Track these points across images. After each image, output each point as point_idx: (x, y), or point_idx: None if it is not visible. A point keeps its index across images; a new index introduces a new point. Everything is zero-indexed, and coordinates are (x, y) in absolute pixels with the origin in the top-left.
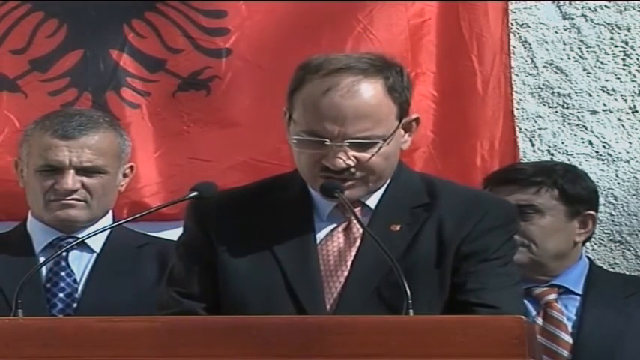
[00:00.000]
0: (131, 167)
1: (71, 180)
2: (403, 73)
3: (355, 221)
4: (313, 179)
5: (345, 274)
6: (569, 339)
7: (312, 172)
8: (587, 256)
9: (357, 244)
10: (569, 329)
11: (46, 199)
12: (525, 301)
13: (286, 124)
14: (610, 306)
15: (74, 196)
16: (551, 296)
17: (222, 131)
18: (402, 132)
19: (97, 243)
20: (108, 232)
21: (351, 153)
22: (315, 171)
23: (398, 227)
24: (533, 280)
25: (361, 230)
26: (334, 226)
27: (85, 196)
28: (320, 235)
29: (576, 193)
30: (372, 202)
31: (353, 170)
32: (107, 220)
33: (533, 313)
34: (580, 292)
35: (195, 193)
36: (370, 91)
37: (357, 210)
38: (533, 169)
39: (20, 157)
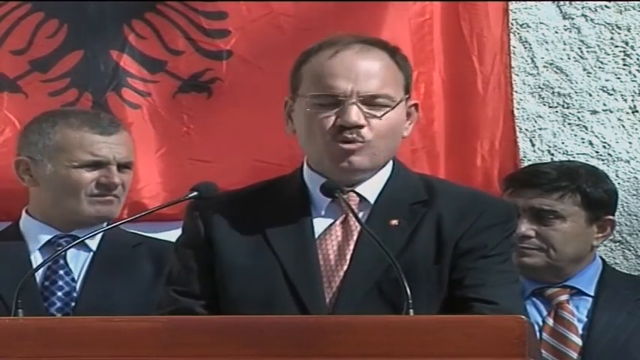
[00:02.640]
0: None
1: (117, 175)
2: (406, 59)
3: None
4: (327, 146)
5: (345, 268)
6: (578, 341)
7: (326, 139)
8: (601, 257)
9: (355, 237)
10: (580, 331)
11: (87, 192)
12: (537, 302)
13: (286, 115)
14: (621, 309)
15: (115, 192)
16: (563, 297)
17: (222, 132)
18: (405, 117)
19: (93, 241)
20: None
21: (363, 112)
22: (329, 136)
23: (396, 222)
24: (546, 281)
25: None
26: (332, 220)
27: (120, 191)
28: (318, 230)
29: (599, 197)
30: (371, 196)
31: (363, 132)
32: None
33: (544, 313)
34: (592, 294)
35: (195, 193)
36: (380, 54)
37: (356, 203)
38: (557, 173)
39: (29, 155)
